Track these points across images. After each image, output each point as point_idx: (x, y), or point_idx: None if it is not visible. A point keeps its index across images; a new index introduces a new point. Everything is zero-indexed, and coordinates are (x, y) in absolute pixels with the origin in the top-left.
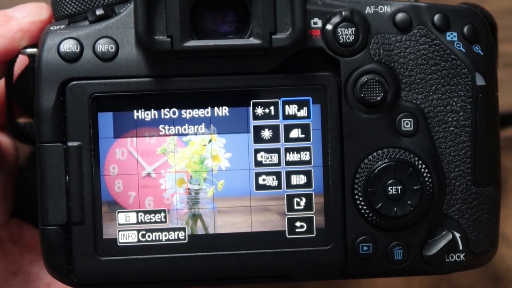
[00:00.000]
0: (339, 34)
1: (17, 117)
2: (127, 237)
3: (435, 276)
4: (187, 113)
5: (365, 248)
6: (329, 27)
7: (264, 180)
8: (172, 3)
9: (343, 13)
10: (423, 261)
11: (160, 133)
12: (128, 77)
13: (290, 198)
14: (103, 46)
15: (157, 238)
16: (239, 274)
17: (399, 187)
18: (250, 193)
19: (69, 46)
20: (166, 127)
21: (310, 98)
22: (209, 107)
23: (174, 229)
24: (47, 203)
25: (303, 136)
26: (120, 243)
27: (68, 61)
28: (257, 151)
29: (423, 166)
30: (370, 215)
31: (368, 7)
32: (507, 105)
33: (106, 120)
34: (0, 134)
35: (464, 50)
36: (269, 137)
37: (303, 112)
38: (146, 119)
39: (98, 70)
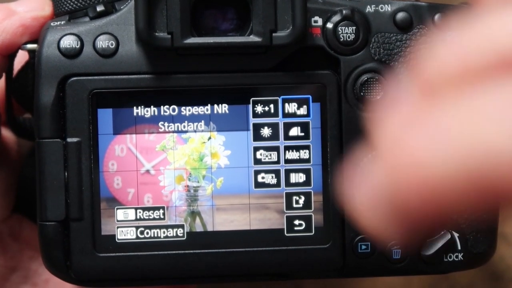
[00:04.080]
0: (340, 32)
1: (18, 114)
2: (126, 234)
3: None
4: (186, 110)
5: (363, 247)
6: (329, 25)
7: (263, 178)
8: (173, 0)
9: (344, 11)
10: (421, 260)
11: (160, 130)
12: (128, 73)
13: (289, 196)
14: (103, 42)
15: (155, 235)
16: (237, 271)
17: None
18: (249, 191)
19: (69, 42)
20: (166, 124)
21: (310, 97)
22: (209, 105)
23: (172, 226)
24: (46, 199)
25: (303, 134)
26: (118, 239)
27: (68, 57)
28: (256, 149)
29: None
30: None
31: (368, 6)
32: None
33: (105, 116)
34: (4, 129)
35: None
36: (268, 135)
37: (302, 111)
38: (145, 115)
39: (98, 66)
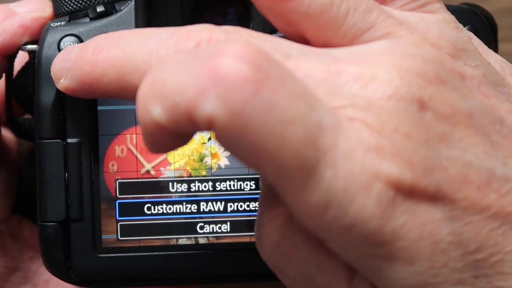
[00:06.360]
0: None
1: (18, 114)
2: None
3: None
4: None
5: None
6: None
7: None
8: (173, 1)
9: None
10: None
11: None
12: None
13: None
14: None
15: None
16: (238, 271)
17: None
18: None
19: (69, 42)
20: None
21: None
22: None
23: None
24: (46, 200)
25: None
26: (119, 240)
27: None
28: None
29: None
30: None
31: None
32: None
33: (105, 116)
34: (4, 130)
35: None
36: None
37: None
38: None
39: None
